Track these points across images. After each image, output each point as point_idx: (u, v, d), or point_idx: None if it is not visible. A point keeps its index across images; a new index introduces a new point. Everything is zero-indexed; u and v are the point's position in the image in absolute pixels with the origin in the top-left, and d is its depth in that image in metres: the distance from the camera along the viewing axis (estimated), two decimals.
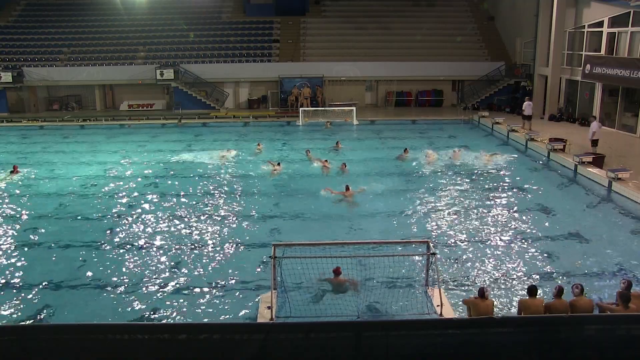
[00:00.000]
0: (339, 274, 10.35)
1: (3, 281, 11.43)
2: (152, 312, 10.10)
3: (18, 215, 15.68)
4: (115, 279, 11.45)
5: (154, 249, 13.08)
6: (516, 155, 22.78)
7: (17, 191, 18.22)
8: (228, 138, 26.89)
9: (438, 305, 9.35)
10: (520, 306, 8.81)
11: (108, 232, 14.24)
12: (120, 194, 17.70)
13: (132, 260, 12.46)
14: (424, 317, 9.13)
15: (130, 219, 15.30)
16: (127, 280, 11.37)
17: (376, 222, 14.78)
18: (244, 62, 35.86)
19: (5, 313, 10.16)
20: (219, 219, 15.24)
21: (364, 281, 10.58)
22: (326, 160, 20.69)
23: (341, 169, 19.69)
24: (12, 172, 20.35)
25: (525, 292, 9.36)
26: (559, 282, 10.62)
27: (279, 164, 20.55)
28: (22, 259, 12.59)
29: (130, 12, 38.77)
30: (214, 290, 10.91)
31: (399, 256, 11.26)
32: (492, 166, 20.72)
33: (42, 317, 9.99)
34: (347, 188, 16.75)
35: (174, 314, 10.06)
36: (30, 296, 10.74)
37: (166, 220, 15.09)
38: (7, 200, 17.18)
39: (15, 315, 10.07)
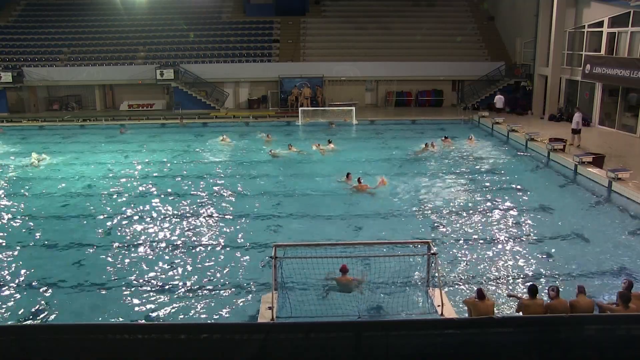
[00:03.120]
0: (346, 272, 10.37)
1: (3, 281, 11.43)
2: (152, 312, 10.10)
3: (18, 215, 15.69)
4: (115, 279, 11.45)
5: (154, 249, 13.07)
6: (516, 155, 22.81)
7: (19, 191, 18.23)
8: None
9: (439, 306, 9.35)
10: (520, 306, 8.81)
11: (108, 232, 14.24)
12: (120, 194, 17.69)
13: (132, 260, 12.45)
14: (424, 317, 9.12)
15: (130, 219, 15.30)
16: (127, 280, 11.37)
17: (377, 221, 14.78)
18: (244, 62, 35.86)
19: (5, 313, 10.15)
20: (220, 218, 15.24)
21: (366, 280, 10.61)
22: (319, 144, 23.48)
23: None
24: (32, 163, 21.50)
25: (525, 292, 9.36)
26: (559, 282, 10.63)
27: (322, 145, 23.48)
28: (22, 258, 12.59)
29: (130, 12, 38.77)
30: (214, 290, 10.90)
31: (399, 256, 11.25)
32: (491, 166, 20.75)
33: (42, 317, 9.98)
34: (359, 180, 17.57)
35: (174, 314, 10.06)
36: (30, 296, 10.74)
37: (166, 220, 15.09)
38: (9, 199, 17.20)
39: (15, 315, 10.06)
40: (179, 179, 19.65)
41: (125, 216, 15.51)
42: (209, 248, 13.12)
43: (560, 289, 8.97)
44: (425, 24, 38.19)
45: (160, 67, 33.80)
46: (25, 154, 23.61)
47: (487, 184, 18.43)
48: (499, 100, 30.85)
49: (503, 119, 28.19)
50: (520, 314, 8.71)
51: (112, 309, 10.26)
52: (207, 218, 15.29)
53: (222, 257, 12.60)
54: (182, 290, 10.95)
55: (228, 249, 13.04)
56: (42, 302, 10.51)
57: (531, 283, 9.51)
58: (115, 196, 17.49)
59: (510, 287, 10.88)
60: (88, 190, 18.21)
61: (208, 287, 11.03)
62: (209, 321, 9.60)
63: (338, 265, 10.42)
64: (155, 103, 35.67)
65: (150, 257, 12.65)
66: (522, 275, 11.37)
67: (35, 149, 23.44)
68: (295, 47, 37.07)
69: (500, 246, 12.97)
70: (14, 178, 20.00)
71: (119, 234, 14.14)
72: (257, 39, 37.80)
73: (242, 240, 13.55)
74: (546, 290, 9.21)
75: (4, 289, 11.10)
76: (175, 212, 15.81)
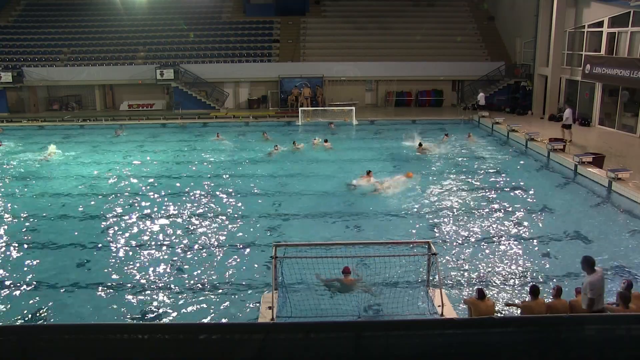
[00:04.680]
0: (349, 273, 10.37)
1: (3, 281, 11.43)
2: (152, 312, 10.10)
3: (19, 215, 15.69)
4: (115, 279, 11.45)
5: (154, 249, 13.07)
6: (516, 155, 22.83)
7: (16, 190, 18.23)
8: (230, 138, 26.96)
9: (439, 306, 9.35)
10: (524, 310, 8.78)
11: (108, 232, 14.24)
12: (120, 194, 17.70)
13: (132, 260, 12.45)
14: (424, 317, 9.12)
15: (130, 219, 15.30)
16: (127, 280, 11.37)
17: (377, 221, 14.78)
18: (244, 62, 35.87)
19: (5, 313, 10.15)
20: (219, 218, 15.23)
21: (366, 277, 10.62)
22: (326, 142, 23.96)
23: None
24: (49, 154, 22.76)
25: (525, 292, 9.36)
26: (559, 282, 10.62)
27: (326, 141, 24.17)
28: (22, 258, 12.59)
29: (130, 12, 38.79)
30: (214, 290, 10.90)
31: (399, 256, 11.25)
32: (491, 166, 20.77)
33: (42, 317, 9.98)
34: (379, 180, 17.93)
35: (174, 314, 10.06)
36: (30, 296, 10.74)
37: (166, 220, 15.09)
38: (9, 198, 17.20)
39: (15, 315, 10.06)
40: (178, 178, 19.65)
41: (124, 216, 15.51)
42: (208, 248, 13.12)
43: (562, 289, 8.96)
44: (425, 24, 38.19)
45: (160, 67, 33.80)
46: (28, 151, 23.81)
47: (487, 183, 18.43)
48: (481, 97, 31.77)
49: (503, 118, 28.23)
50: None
51: (112, 309, 10.26)
52: (206, 218, 15.29)
53: (222, 257, 12.60)
54: (182, 290, 10.94)
55: (228, 249, 13.04)
56: (43, 302, 10.51)
57: (532, 284, 9.51)
58: (114, 196, 17.48)
59: (510, 287, 10.89)
60: (87, 190, 18.20)
61: (208, 287, 11.03)
62: (208, 321, 9.59)
63: (338, 265, 10.42)
64: (155, 103, 35.68)
65: (149, 257, 12.64)
66: (522, 275, 11.37)
67: (45, 145, 24.37)
68: (295, 47, 37.07)
69: (500, 246, 12.96)
70: (14, 178, 20.00)
71: (118, 233, 14.13)
72: (257, 39, 37.80)
73: (242, 240, 13.55)
74: (549, 290, 9.22)
75: (4, 289, 11.10)
76: (175, 212, 15.81)
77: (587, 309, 8.10)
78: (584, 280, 8.37)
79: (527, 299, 9.05)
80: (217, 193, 17.69)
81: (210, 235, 13.98)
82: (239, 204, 16.48)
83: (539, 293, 8.83)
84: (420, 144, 23.21)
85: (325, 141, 24.36)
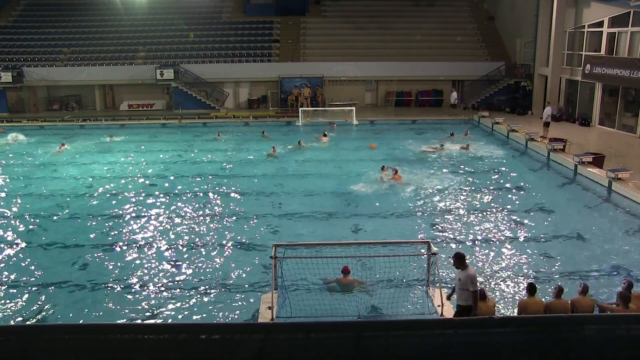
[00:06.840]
0: (348, 273, 10.37)
1: (3, 281, 11.43)
2: (152, 312, 10.10)
3: (18, 215, 15.69)
4: (115, 279, 11.45)
5: (154, 249, 13.07)
6: (516, 155, 22.83)
7: (17, 191, 18.23)
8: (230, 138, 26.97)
9: (439, 306, 9.35)
10: (519, 306, 8.81)
11: (108, 232, 14.24)
12: (120, 194, 17.69)
13: (132, 260, 12.45)
14: (424, 317, 9.13)
15: (130, 219, 15.30)
16: (127, 280, 11.37)
17: (377, 221, 14.78)
18: (244, 62, 35.87)
19: (5, 313, 10.16)
20: (219, 218, 15.24)
21: (366, 280, 10.62)
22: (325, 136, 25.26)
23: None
24: (60, 148, 23.82)
25: (525, 292, 9.37)
26: (559, 282, 10.62)
27: (325, 135, 25.37)
28: (22, 259, 12.59)
29: (130, 12, 38.80)
30: (214, 290, 10.90)
31: (399, 256, 11.25)
32: (492, 166, 20.76)
33: (42, 317, 9.98)
34: (396, 171, 18.65)
35: (174, 314, 10.06)
36: (30, 296, 10.74)
37: (166, 220, 15.09)
38: (9, 198, 17.20)
39: (15, 315, 10.06)
40: (178, 178, 19.65)
41: (124, 216, 15.51)
42: (208, 248, 13.11)
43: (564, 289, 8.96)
44: (425, 24, 38.20)
45: (160, 67, 33.80)
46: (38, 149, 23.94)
47: (487, 183, 18.43)
48: (453, 97, 32.62)
49: (503, 118, 28.21)
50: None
51: (112, 309, 10.26)
52: (206, 218, 15.28)
53: (222, 257, 12.60)
54: (182, 290, 10.94)
55: (228, 249, 13.04)
56: (43, 302, 10.51)
57: (529, 281, 9.52)
58: (112, 196, 17.47)
59: (509, 287, 10.89)
60: (86, 190, 18.20)
61: (208, 287, 11.03)
62: (208, 321, 9.60)
63: (338, 265, 10.43)
64: (155, 103, 35.68)
65: (150, 257, 12.64)
66: (521, 275, 11.37)
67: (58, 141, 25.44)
68: (295, 47, 37.07)
69: (500, 246, 12.96)
70: (14, 178, 20.00)
71: (118, 234, 14.13)
72: (257, 39, 37.81)
73: (242, 240, 13.55)
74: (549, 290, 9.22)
75: (4, 289, 11.10)
76: (175, 212, 15.80)
77: (473, 302, 8.44)
78: (460, 276, 8.57)
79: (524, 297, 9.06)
80: (217, 193, 17.68)
81: (210, 235, 13.98)
82: (239, 204, 16.47)
83: (536, 291, 8.84)
84: (441, 146, 23.34)
85: (325, 135, 25.19)
